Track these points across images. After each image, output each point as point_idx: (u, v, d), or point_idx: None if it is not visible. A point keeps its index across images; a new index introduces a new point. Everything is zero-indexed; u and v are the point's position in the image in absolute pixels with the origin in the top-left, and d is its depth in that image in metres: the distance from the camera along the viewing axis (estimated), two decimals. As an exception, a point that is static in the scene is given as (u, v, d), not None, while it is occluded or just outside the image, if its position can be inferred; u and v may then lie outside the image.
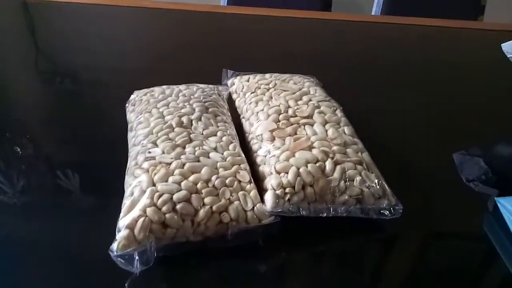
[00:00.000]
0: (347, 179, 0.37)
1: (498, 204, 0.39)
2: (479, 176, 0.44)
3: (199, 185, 0.33)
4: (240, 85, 0.48)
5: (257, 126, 0.42)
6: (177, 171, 0.34)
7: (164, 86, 0.46)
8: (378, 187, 0.37)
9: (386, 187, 0.38)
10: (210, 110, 0.42)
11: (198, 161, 0.36)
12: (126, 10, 0.87)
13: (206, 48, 0.73)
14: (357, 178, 0.37)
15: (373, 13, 1.24)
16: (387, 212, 0.37)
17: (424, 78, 0.67)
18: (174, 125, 0.39)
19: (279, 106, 0.43)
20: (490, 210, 0.40)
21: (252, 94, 0.46)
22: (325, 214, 0.36)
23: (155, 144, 0.37)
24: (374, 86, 0.63)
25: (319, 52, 0.73)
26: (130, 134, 0.41)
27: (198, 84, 0.47)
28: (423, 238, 0.38)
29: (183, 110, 0.41)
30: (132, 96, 0.46)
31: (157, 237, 0.31)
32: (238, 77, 0.50)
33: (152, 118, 0.40)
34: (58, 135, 0.48)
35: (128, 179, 0.35)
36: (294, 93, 0.45)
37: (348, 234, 0.37)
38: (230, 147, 0.38)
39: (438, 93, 0.62)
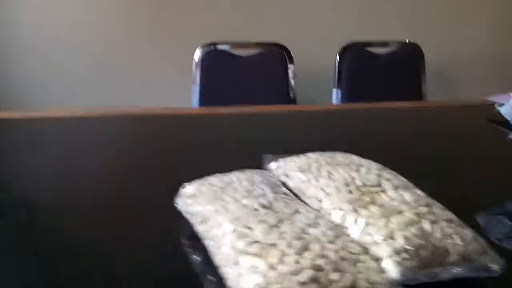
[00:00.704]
0: (448, 238, 0.35)
1: None
2: (508, 234, 0.45)
3: (318, 262, 0.30)
4: (288, 167, 0.47)
5: (329, 201, 0.40)
6: (288, 251, 0.31)
7: (218, 175, 0.43)
8: (477, 242, 0.36)
9: (483, 241, 0.37)
10: (278, 190, 0.40)
11: (301, 238, 0.32)
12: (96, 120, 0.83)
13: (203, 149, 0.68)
14: (455, 236, 0.35)
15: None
16: (493, 267, 0.35)
17: (418, 154, 0.66)
18: (257, 207, 0.36)
19: (344, 178, 0.42)
20: None
21: (307, 172, 0.45)
22: (440, 277, 0.33)
23: (248, 228, 0.33)
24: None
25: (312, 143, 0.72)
26: (202, 227, 0.37)
27: (249, 169, 0.45)
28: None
29: (255, 193, 0.39)
30: (185, 190, 0.42)
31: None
32: (281, 160, 0.49)
33: (229, 204, 0.37)
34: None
35: (229, 270, 0.31)
36: (349, 166, 0.45)
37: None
38: (320, 221, 0.36)
39: (436, 165, 0.62)
